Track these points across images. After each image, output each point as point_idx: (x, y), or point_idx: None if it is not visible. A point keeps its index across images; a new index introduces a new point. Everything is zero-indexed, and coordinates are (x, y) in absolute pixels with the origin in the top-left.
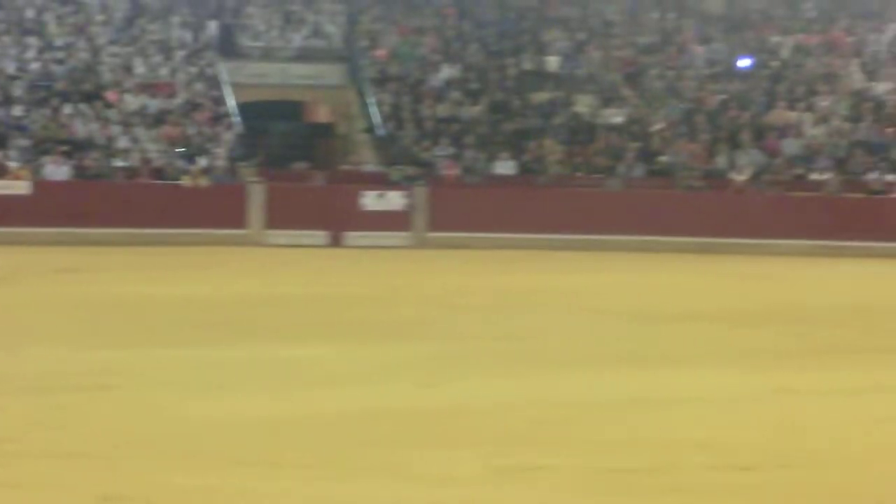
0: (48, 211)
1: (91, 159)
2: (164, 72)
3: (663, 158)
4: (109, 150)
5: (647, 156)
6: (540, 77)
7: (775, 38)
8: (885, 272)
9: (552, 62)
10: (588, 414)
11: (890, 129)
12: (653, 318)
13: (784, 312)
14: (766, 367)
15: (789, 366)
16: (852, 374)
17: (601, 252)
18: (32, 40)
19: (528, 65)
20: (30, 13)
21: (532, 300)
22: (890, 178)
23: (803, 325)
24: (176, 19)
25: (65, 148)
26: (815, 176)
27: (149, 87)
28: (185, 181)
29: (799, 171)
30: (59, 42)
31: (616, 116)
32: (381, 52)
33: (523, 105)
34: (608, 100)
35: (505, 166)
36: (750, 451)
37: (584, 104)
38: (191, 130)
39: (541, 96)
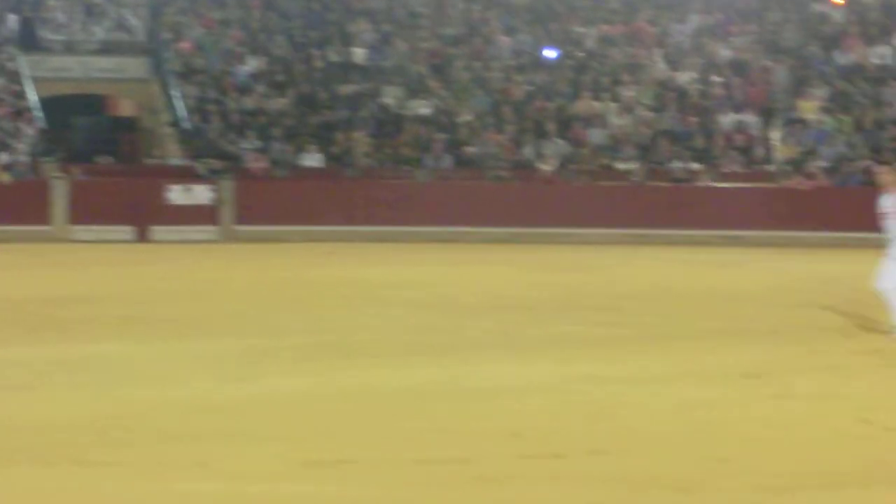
0: None
1: None
2: None
3: (471, 149)
4: None
5: (454, 147)
6: (346, 69)
7: (580, 29)
8: (691, 259)
9: (358, 54)
10: (397, 406)
11: (693, 119)
12: (462, 309)
13: (592, 301)
14: (574, 356)
15: (598, 354)
16: (660, 360)
17: (411, 244)
18: None
19: (334, 57)
20: None
21: (341, 293)
22: (694, 166)
23: (611, 314)
24: None
25: None
26: (620, 165)
27: None
28: None
29: (605, 160)
30: None
31: (423, 108)
32: (185, 45)
33: (330, 97)
34: (415, 91)
35: (312, 159)
36: (561, 438)
37: (390, 96)
38: None
39: (347, 88)
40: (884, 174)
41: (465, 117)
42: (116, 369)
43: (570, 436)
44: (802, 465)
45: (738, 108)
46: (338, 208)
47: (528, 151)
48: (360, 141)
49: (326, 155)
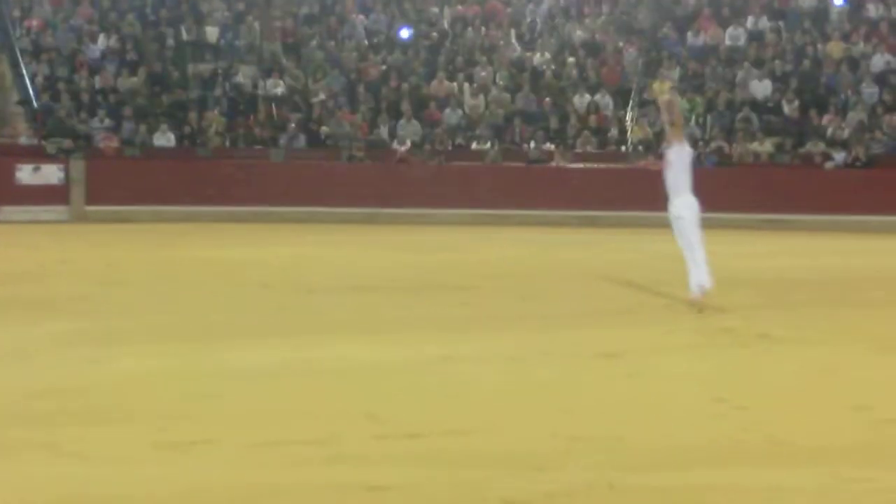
0: None
1: None
2: None
3: (325, 129)
4: None
5: (308, 126)
6: (199, 48)
7: (434, 9)
8: (546, 240)
9: (211, 33)
10: (250, 387)
11: (547, 100)
12: (316, 290)
13: (448, 281)
14: (429, 336)
15: (453, 334)
16: (515, 339)
17: (266, 224)
18: None
19: (186, 35)
20: None
21: (194, 274)
22: (548, 147)
23: (466, 293)
24: None
25: None
26: (475, 146)
27: None
28: None
29: (459, 140)
30: None
31: (277, 87)
32: (34, 22)
33: (182, 76)
34: (268, 70)
35: (164, 138)
36: (417, 418)
37: (244, 75)
38: None
39: (200, 67)
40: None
41: (319, 97)
42: None
43: (426, 416)
44: (656, 444)
45: (591, 90)
46: (190, 188)
47: (382, 131)
48: (213, 120)
49: (178, 134)
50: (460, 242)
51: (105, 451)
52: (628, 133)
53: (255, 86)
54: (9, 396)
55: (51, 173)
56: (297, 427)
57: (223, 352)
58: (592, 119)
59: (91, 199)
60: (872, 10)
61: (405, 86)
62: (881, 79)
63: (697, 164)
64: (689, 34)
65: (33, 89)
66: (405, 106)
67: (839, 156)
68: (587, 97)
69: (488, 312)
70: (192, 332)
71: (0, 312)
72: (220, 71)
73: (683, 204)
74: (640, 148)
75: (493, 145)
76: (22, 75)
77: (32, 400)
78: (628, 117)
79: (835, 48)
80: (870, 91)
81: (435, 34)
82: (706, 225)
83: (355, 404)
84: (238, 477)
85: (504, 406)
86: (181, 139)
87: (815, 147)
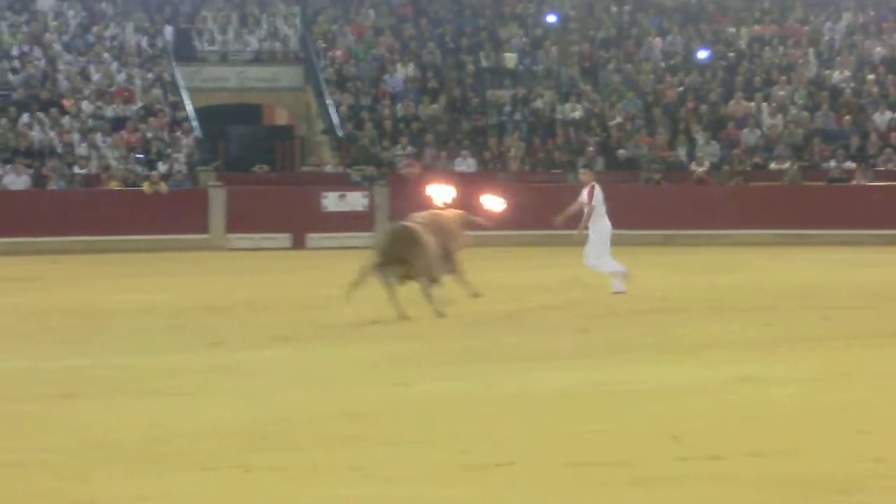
0: (6, 220)
1: (49, 168)
2: (120, 78)
3: (623, 152)
4: (68, 158)
5: (606, 150)
6: (498, 74)
7: (731, 29)
8: (846, 259)
9: (509, 59)
10: (554, 408)
11: (847, 117)
12: (617, 311)
13: (746, 302)
14: (730, 357)
15: (753, 355)
16: (816, 360)
17: (562, 247)
18: None
19: (485, 62)
20: None
21: (493, 297)
22: (849, 165)
23: (766, 314)
24: (131, 25)
25: (25, 161)
26: (774, 165)
27: (106, 94)
28: (145, 187)
29: (758, 160)
30: (14, 51)
31: (575, 111)
32: (338, 53)
33: (482, 102)
34: (566, 95)
35: (465, 164)
36: (718, 440)
37: (542, 100)
38: (149, 136)
39: (499, 93)
40: (584, 174)
41: (617, 120)
42: (274, 375)
43: (727, 437)
44: None
45: (892, 107)
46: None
47: (680, 153)
48: (513, 145)
49: (479, 160)
50: (760, 263)
51: (409, 472)
52: None
53: (553, 110)
54: (315, 419)
55: (356, 200)
56: (599, 449)
57: (525, 374)
58: (894, 137)
59: None
60: None
61: (703, 107)
62: None
63: None
64: None
65: (338, 118)
66: (702, 127)
67: None
68: (888, 114)
69: (789, 333)
70: (492, 355)
71: (307, 336)
72: (518, 96)
73: None
74: None
75: (792, 165)
76: (326, 105)
77: (338, 422)
78: None
79: None
80: None
81: (732, 54)
82: None
83: (657, 426)
84: (541, 498)
85: (806, 428)
86: (482, 164)
87: None
